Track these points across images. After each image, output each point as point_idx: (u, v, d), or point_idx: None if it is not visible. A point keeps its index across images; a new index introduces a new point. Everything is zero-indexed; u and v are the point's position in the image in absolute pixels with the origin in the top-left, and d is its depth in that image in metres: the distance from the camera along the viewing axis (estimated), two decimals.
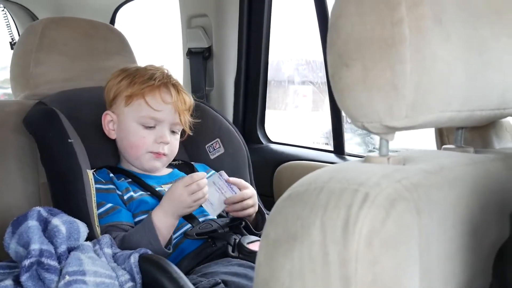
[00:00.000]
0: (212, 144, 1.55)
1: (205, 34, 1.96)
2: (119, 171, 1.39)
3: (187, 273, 1.16)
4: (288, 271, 0.50)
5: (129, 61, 1.59)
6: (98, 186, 1.30)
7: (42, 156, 1.31)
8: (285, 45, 2.34)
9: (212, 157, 1.55)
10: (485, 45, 0.57)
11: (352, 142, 2.16)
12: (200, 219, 1.32)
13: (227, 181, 1.33)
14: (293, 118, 2.92)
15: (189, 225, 1.30)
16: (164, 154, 1.37)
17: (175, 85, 1.40)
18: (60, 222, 1.10)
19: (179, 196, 1.21)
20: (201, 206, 1.28)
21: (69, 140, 1.26)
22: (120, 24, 2.47)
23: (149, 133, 1.36)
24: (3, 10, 2.42)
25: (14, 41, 2.42)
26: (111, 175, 1.35)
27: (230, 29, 1.94)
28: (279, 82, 2.68)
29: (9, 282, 1.04)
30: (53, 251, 1.06)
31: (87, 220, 1.17)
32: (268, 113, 2.05)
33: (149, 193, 1.34)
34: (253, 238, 1.29)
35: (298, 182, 0.55)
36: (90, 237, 1.16)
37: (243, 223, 1.35)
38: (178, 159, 1.49)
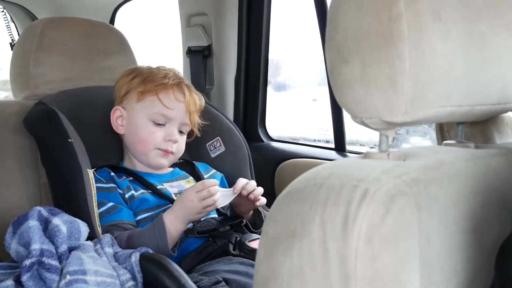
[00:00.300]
0: (212, 143, 1.55)
1: (204, 32, 1.96)
2: (121, 170, 1.40)
3: (188, 272, 1.16)
4: (287, 268, 0.50)
5: (129, 60, 1.59)
6: (99, 185, 1.30)
7: (42, 156, 1.31)
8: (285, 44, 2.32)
9: (213, 155, 1.55)
10: (485, 40, 0.57)
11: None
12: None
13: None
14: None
15: (190, 223, 1.30)
16: (171, 152, 1.38)
17: (188, 86, 1.42)
18: (61, 221, 1.10)
19: (190, 202, 1.22)
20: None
21: (69, 140, 1.26)
22: (119, 24, 2.46)
23: (159, 130, 1.36)
24: (2, 11, 2.42)
25: (14, 42, 2.42)
26: (112, 174, 1.35)
27: (230, 27, 1.94)
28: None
29: (10, 282, 1.04)
30: (54, 250, 1.06)
31: (88, 220, 1.17)
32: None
33: (150, 191, 1.35)
34: (254, 236, 1.29)
35: (297, 179, 0.55)
36: (91, 236, 1.16)
37: (244, 221, 1.35)
38: (179, 157, 1.50)
